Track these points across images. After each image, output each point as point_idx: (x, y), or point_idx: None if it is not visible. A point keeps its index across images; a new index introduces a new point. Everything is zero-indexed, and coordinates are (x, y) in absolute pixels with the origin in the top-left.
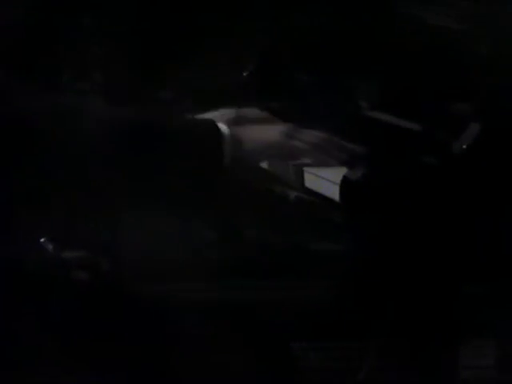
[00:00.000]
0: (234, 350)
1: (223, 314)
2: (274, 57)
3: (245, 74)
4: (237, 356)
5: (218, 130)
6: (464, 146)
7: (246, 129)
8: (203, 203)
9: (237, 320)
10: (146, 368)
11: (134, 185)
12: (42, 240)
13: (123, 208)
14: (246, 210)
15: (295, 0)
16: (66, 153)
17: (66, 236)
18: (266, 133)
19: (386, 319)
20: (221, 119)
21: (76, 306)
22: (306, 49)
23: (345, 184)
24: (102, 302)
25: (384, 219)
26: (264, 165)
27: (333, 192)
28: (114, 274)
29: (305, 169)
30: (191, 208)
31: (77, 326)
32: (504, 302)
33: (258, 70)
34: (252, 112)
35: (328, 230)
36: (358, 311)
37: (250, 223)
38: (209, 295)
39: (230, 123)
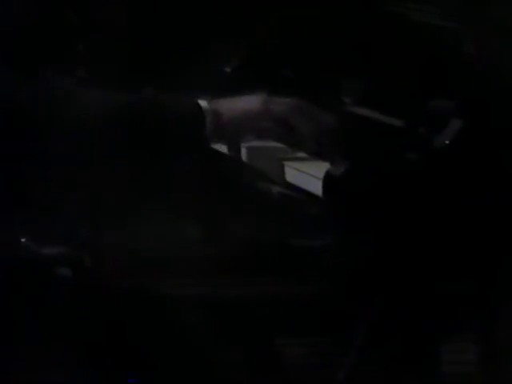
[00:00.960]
0: (218, 346)
1: (207, 310)
2: (257, 52)
3: (228, 70)
4: (221, 351)
5: (198, 105)
6: (446, 143)
7: (225, 100)
8: (189, 199)
9: (221, 316)
10: (130, 363)
11: (118, 176)
12: (24, 237)
13: (106, 202)
14: (231, 206)
15: None
16: (44, 146)
17: (47, 232)
18: (245, 102)
19: (369, 315)
20: None
21: (59, 303)
22: (289, 45)
23: (328, 179)
24: (85, 298)
25: (367, 215)
26: (246, 160)
27: (315, 187)
28: (97, 270)
29: (285, 163)
30: (176, 204)
31: (60, 323)
32: (484, 298)
33: (242, 65)
34: None
35: (311, 226)
36: (341, 307)
37: (235, 220)
38: (193, 291)
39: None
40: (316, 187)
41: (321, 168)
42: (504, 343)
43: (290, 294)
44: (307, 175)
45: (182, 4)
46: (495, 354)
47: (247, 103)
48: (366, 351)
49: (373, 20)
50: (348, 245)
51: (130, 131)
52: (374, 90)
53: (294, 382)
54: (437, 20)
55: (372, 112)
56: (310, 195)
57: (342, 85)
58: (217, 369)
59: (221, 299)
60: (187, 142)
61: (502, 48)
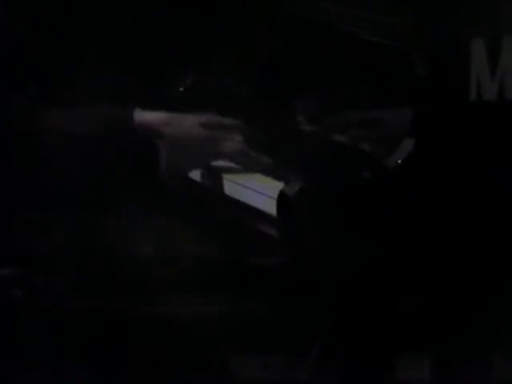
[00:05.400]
0: (175, 367)
1: (162, 329)
2: (209, 71)
3: (181, 89)
4: (177, 373)
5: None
6: (398, 161)
7: (179, 134)
8: (141, 215)
9: (176, 336)
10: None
11: (72, 195)
12: None
13: (60, 220)
14: (182, 223)
15: (229, 18)
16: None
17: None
18: (200, 140)
19: (325, 332)
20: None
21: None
22: (243, 64)
23: (282, 198)
24: (38, 319)
25: (320, 233)
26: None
27: (269, 206)
28: (51, 290)
29: (237, 182)
30: (131, 223)
31: (14, 344)
32: (440, 315)
33: (195, 83)
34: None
35: (265, 245)
36: (296, 324)
37: (187, 237)
38: (146, 310)
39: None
40: (271, 206)
41: (275, 187)
42: (460, 361)
43: (245, 312)
44: (262, 195)
45: (134, 24)
46: (451, 371)
47: (202, 142)
48: (322, 368)
49: (327, 40)
50: (303, 262)
51: (85, 151)
52: (327, 109)
53: None
54: (388, 40)
55: (325, 131)
56: (264, 214)
57: (295, 104)
58: None
59: (175, 318)
60: (141, 167)
61: (452, 68)
